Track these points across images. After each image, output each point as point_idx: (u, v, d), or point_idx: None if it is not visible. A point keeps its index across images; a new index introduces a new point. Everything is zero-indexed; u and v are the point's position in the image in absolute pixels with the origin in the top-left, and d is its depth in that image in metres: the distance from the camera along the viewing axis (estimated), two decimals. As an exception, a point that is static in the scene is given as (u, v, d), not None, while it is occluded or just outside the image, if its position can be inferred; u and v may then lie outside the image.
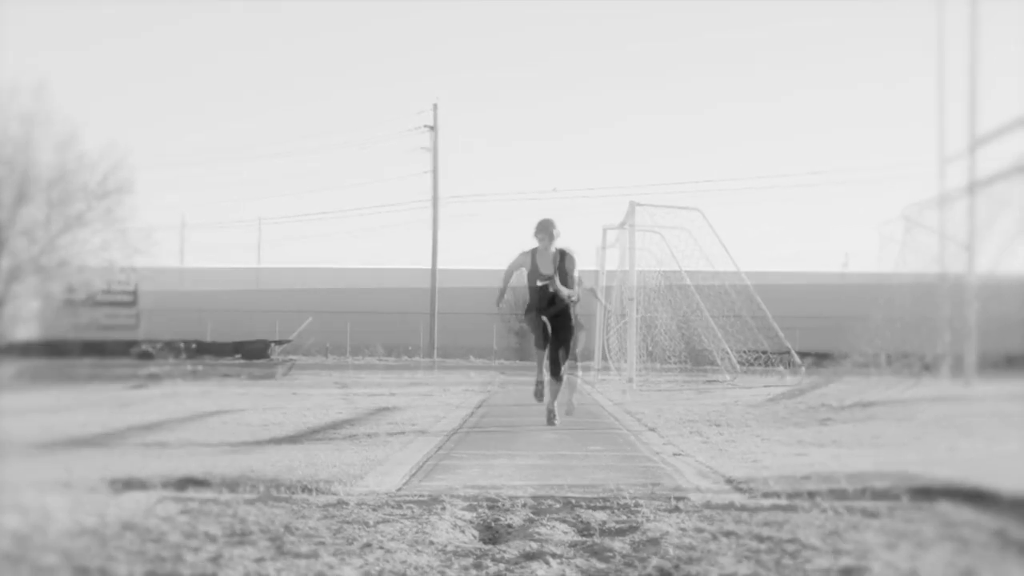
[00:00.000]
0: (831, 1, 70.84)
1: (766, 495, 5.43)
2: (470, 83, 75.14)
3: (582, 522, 4.60)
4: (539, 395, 10.26)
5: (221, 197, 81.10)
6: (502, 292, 10.49)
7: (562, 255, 10.06)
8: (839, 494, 5.40)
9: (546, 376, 10.20)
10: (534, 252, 10.07)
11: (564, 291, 9.95)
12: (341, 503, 5.02)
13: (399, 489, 5.64)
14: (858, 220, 73.22)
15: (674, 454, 7.62)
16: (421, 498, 5.20)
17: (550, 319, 10.03)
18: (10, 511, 4.32)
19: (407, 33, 75.33)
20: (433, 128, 50.88)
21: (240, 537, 4.01)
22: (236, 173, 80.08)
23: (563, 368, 10.10)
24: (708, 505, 5.10)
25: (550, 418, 10.05)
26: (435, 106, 51.45)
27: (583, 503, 5.14)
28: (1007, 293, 13.71)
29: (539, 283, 9.99)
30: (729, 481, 6.03)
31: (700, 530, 4.31)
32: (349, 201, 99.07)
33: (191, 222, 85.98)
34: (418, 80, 77.04)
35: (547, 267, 9.99)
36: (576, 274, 10.28)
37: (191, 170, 78.67)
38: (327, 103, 79.89)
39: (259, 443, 7.97)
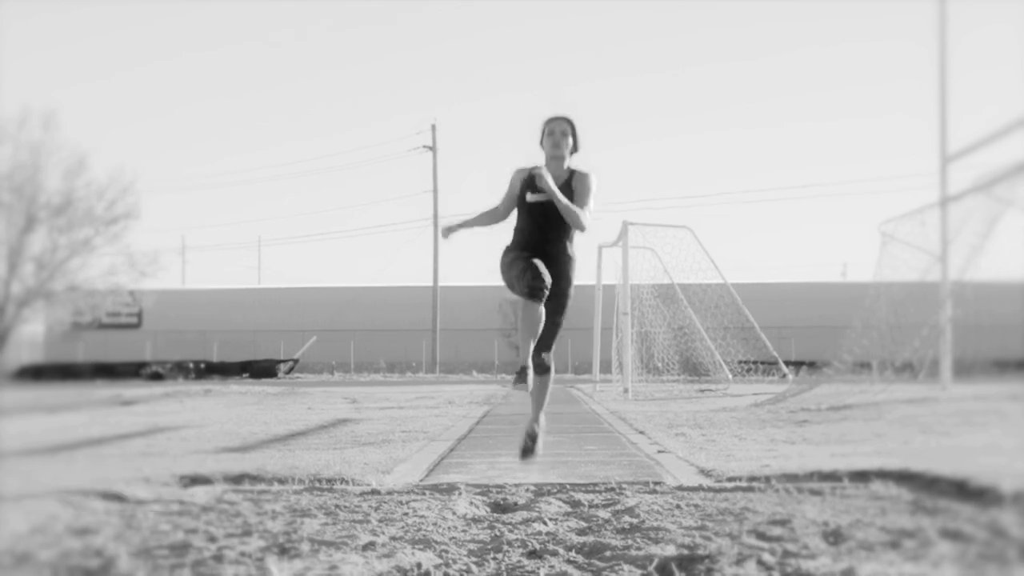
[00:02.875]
0: (829, 5, 72.06)
1: (730, 479, 6.45)
2: (470, 104, 76.36)
3: (575, 500, 5.62)
4: (523, 378, 6.32)
5: (220, 220, 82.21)
6: (465, 224, 6.86)
7: (571, 173, 6.70)
8: (792, 478, 6.42)
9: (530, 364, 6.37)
10: (533, 169, 6.66)
11: (554, 190, 6.39)
12: (374, 491, 6.04)
13: (421, 481, 6.65)
14: (855, 232, 74.49)
15: (658, 451, 8.64)
16: (441, 486, 6.22)
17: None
18: (111, 498, 5.34)
19: (408, 57, 76.56)
20: (432, 148, 51.97)
21: (302, 513, 5.03)
22: (235, 195, 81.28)
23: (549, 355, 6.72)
24: (680, 487, 6.13)
25: (529, 445, 6.56)
26: (433, 126, 52.59)
27: (577, 488, 6.15)
28: (983, 299, 14.75)
29: (529, 198, 6.59)
30: (702, 471, 7.05)
31: (669, 504, 5.33)
32: (350, 221, 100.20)
33: (191, 244, 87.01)
34: (419, 107, 78.32)
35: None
36: (591, 201, 6.65)
37: (190, 193, 79.85)
38: (328, 124, 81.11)
39: (291, 448, 9.00)
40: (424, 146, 52.00)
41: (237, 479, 6.45)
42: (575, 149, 6.74)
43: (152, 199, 72.47)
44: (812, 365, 20.98)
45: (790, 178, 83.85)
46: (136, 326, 50.85)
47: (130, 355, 47.25)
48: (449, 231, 6.77)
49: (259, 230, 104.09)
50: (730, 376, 23.49)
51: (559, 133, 6.64)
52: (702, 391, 21.34)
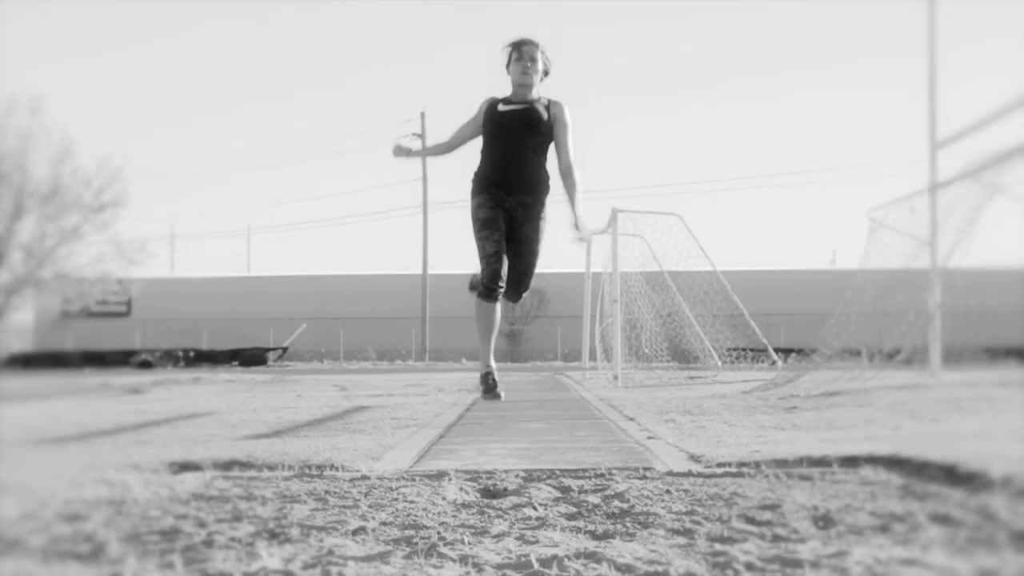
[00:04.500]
0: (816, 4, 72.14)
1: (720, 465, 6.46)
2: (458, 92, 76.24)
3: (564, 486, 5.62)
4: (492, 391, 7.25)
5: (209, 207, 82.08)
6: (418, 152, 6.73)
7: (549, 103, 6.32)
8: (782, 463, 6.43)
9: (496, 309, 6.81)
10: (497, 102, 6.32)
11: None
12: (364, 477, 6.04)
13: (410, 467, 6.65)
14: (846, 218, 74.78)
15: (648, 438, 8.64)
16: (430, 472, 6.22)
17: (513, 211, 6.37)
18: (100, 484, 5.33)
19: (396, 44, 76.41)
20: (421, 136, 51.88)
21: (291, 498, 5.03)
22: (224, 183, 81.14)
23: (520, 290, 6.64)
24: (670, 473, 6.14)
25: (491, 384, 6.99)
26: (423, 114, 52.54)
27: (567, 474, 6.15)
28: (971, 286, 14.79)
29: (501, 108, 6.30)
30: (692, 456, 7.06)
31: (659, 489, 5.34)
32: (339, 209, 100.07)
33: (180, 232, 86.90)
34: (407, 90, 78.15)
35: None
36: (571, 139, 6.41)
37: (179, 181, 79.70)
38: (316, 111, 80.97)
39: (280, 434, 9.01)
40: (414, 133, 51.92)
41: (226, 465, 6.45)
42: (546, 74, 6.34)
43: (140, 187, 72.26)
44: (801, 352, 21.03)
45: (779, 165, 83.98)
46: (125, 314, 50.73)
47: (119, 343, 47.17)
48: (400, 151, 6.59)
49: (248, 218, 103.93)
50: (719, 363, 23.53)
51: (528, 58, 6.21)
52: (691, 378, 21.37)
